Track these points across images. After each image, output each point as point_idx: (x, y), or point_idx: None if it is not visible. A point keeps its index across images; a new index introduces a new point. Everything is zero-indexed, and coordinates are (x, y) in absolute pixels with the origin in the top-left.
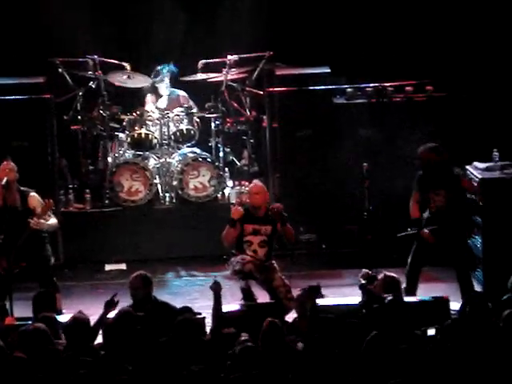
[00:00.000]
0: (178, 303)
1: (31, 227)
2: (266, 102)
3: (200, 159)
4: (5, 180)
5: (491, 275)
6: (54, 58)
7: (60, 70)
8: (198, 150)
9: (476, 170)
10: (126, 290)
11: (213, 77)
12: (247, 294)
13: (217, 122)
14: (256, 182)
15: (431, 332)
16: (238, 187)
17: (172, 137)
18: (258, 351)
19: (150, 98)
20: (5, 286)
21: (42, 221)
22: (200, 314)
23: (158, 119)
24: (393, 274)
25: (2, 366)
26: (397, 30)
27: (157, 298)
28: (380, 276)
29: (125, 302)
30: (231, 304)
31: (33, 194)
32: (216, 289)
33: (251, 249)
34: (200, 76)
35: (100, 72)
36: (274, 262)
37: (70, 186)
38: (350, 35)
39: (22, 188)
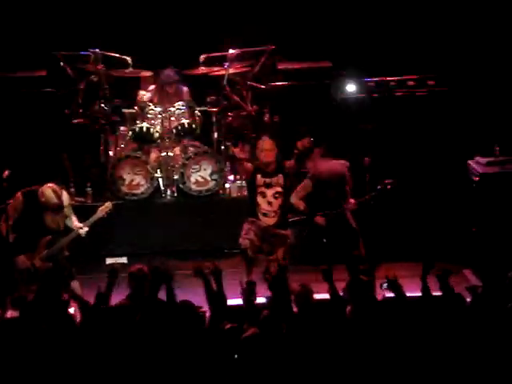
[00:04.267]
0: (178, 297)
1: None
2: (267, 96)
3: (201, 153)
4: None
5: (491, 269)
6: (55, 52)
7: (61, 63)
8: (199, 144)
9: (477, 165)
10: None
11: (214, 70)
12: (249, 290)
13: (218, 116)
14: (265, 138)
15: None
16: (239, 181)
17: (173, 130)
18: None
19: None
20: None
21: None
22: (201, 307)
23: (159, 113)
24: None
25: None
26: (400, 24)
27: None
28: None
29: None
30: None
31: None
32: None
33: (266, 200)
34: (202, 70)
35: (102, 65)
36: (288, 232)
37: (72, 180)
38: (352, 29)
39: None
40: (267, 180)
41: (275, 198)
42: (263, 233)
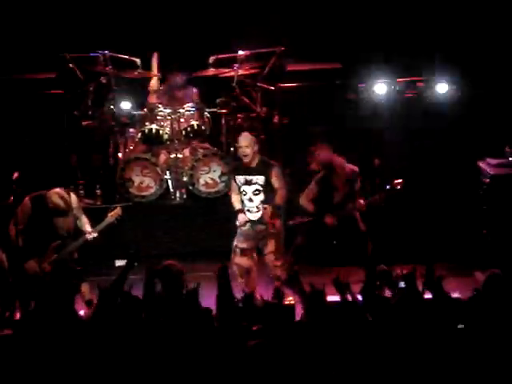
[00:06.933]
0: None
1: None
2: (277, 97)
3: (211, 155)
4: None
5: (502, 271)
6: (64, 53)
7: (71, 65)
8: (208, 146)
9: (488, 166)
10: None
11: (224, 72)
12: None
13: (227, 118)
14: (244, 134)
15: None
16: None
17: (183, 132)
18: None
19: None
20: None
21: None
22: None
23: (168, 115)
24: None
25: None
26: (410, 25)
27: None
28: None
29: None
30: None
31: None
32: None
33: (247, 198)
34: (211, 71)
35: (111, 67)
36: (276, 222)
37: (81, 182)
38: (362, 31)
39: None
40: (248, 177)
41: (255, 194)
42: (253, 235)
